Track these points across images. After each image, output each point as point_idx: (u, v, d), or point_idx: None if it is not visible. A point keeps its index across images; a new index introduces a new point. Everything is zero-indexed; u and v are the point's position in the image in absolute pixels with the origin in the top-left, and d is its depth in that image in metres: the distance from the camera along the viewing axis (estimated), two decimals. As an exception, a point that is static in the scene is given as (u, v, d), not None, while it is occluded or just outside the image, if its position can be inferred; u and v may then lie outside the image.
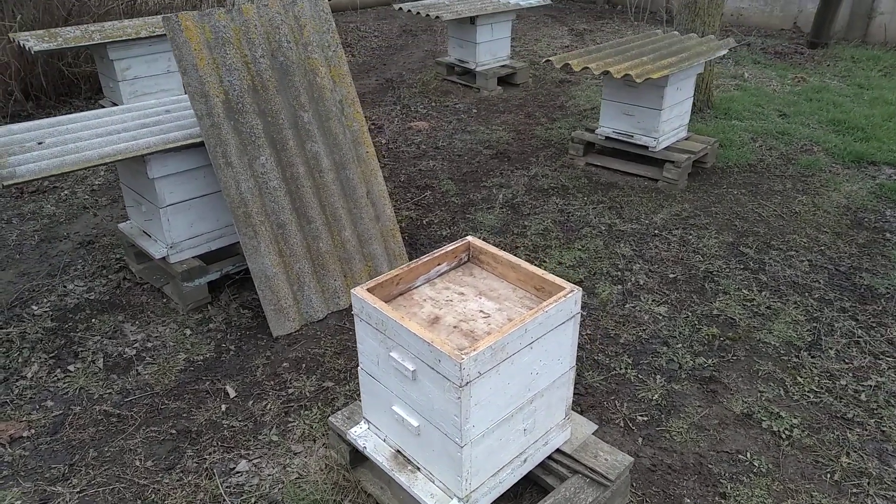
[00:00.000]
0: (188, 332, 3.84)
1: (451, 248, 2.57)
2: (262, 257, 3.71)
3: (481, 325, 2.30)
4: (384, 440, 2.49)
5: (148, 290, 4.25)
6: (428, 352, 2.06)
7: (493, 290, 2.49)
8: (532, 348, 2.20)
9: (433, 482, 2.31)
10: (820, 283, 4.20)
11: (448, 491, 2.25)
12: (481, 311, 2.37)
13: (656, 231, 4.82)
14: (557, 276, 4.20)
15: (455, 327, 2.29)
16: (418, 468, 2.37)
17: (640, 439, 3.02)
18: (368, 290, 2.32)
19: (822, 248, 4.63)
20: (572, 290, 2.29)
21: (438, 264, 2.55)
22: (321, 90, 3.99)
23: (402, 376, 2.22)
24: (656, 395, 3.25)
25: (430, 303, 2.42)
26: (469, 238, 2.64)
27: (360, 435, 2.53)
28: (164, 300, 4.15)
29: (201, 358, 3.63)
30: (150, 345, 3.74)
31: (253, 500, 2.75)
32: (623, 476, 2.52)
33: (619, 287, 4.12)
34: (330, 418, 2.76)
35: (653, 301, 3.98)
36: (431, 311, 2.38)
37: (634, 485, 2.78)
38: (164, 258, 3.96)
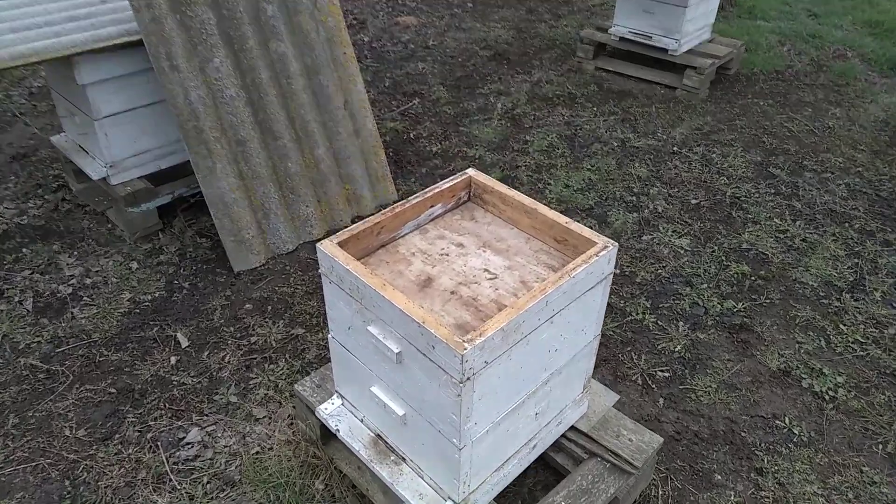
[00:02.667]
0: (135, 265, 3.29)
1: (447, 185, 2.00)
2: (219, 180, 3.11)
3: (486, 291, 1.77)
4: (361, 421, 2.02)
5: (91, 213, 3.66)
6: (418, 333, 1.54)
7: (501, 241, 1.95)
8: (553, 322, 1.69)
9: (422, 478, 1.85)
10: (860, 210, 3.69)
11: (441, 491, 1.80)
12: (486, 269, 1.84)
13: (675, 148, 4.24)
14: (564, 202, 3.66)
15: (453, 293, 1.76)
16: (403, 459, 1.91)
17: (662, 400, 2.59)
18: (340, 243, 1.77)
19: (860, 169, 4.10)
20: (606, 247, 1.75)
21: (431, 206, 1.98)
22: (284, -27, 3.25)
23: (383, 355, 1.71)
24: (679, 347, 2.80)
25: (421, 257, 1.88)
26: (470, 172, 2.07)
27: (332, 413, 2.05)
28: (109, 226, 3.57)
29: (149, 298, 3.10)
30: (88, 281, 3.20)
31: (205, 479, 2.31)
32: (651, 460, 2.09)
33: (635, 215, 3.59)
34: (297, 386, 2.27)
35: (673, 232, 3.46)
36: (422, 269, 1.84)
37: (657, 457, 2.36)
38: (103, 179, 3.34)
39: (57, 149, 3.66)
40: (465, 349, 1.45)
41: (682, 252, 3.33)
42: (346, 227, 3.54)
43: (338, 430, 2.02)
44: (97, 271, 3.26)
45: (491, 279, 1.81)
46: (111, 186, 3.34)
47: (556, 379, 1.87)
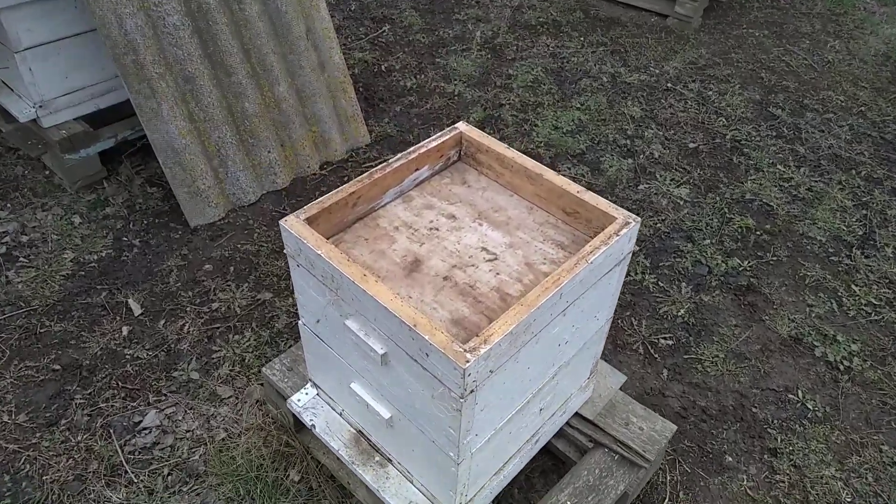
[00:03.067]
0: (77, 219, 2.93)
1: (433, 143, 1.69)
2: (166, 124, 2.73)
3: (486, 276, 1.50)
4: (340, 415, 1.78)
5: (25, 158, 3.24)
6: (409, 338, 1.27)
7: (500, 211, 1.66)
8: (566, 315, 1.44)
9: (411, 482, 1.63)
10: (865, 155, 3.47)
11: (434, 500, 1.58)
12: (484, 248, 1.56)
13: (669, 84, 3.93)
14: (553, 146, 3.36)
15: (446, 279, 1.49)
16: (390, 460, 1.68)
17: (665, 371, 2.39)
18: (309, 220, 1.46)
19: (863, 108, 3.86)
20: (626, 223, 1.48)
21: (416, 169, 1.68)
22: None
23: (364, 353, 1.44)
24: (682, 311, 2.59)
25: (406, 233, 1.59)
26: (461, 126, 1.75)
27: (306, 406, 1.80)
28: (47, 173, 3.18)
29: (95, 258, 2.76)
30: (25, 239, 2.84)
31: (165, 470, 2.06)
32: (662, 450, 1.90)
33: (630, 161, 3.32)
34: (265, 370, 2.01)
35: (671, 180, 3.21)
36: (408, 247, 1.56)
37: (662, 440, 2.19)
38: (33, 121, 2.93)
39: (-20, 84, 3.20)
40: (468, 361, 1.19)
41: (681, 203, 3.08)
42: (313, 174, 3.21)
43: (313, 425, 1.77)
44: (34, 227, 2.90)
45: (490, 260, 1.54)
46: (43, 130, 2.93)
47: (563, 371, 1.63)
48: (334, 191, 1.53)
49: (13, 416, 2.20)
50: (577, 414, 1.91)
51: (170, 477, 2.05)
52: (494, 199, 1.69)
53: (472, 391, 1.24)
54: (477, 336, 1.24)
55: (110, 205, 3.01)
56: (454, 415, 1.29)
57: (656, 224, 2.96)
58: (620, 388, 1.99)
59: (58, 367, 2.35)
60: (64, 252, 2.78)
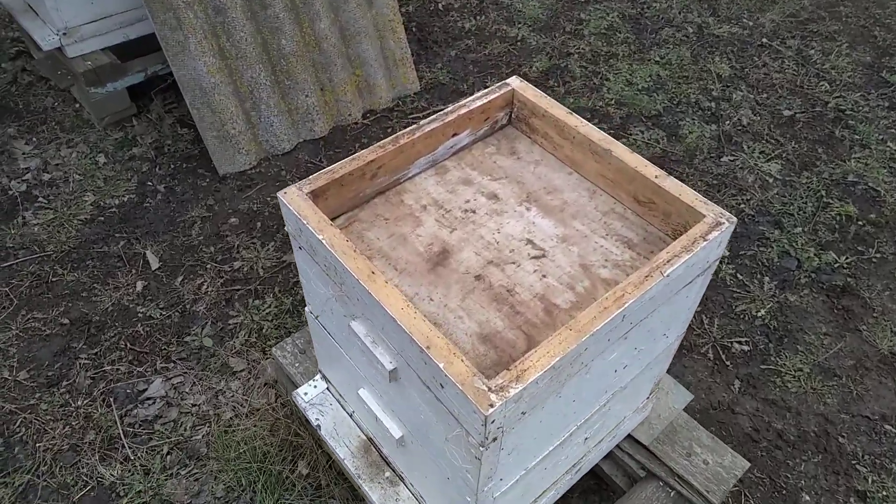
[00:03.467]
0: (102, 159, 2.74)
1: (477, 102, 1.37)
2: (193, 59, 2.46)
3: (529, 278, 1.19)
4: (350, 416, 1.53)
5: (56, 88, 3.06)
6: (420, 361, 0.99)
7: (554, 193, 1.34)
8: (627, 338, 1.13)
9: (425, 508, 1.38)
10: None
11: (448, 533, 1.32)
12: (530, 240, 1.25)
13: (764, 39, 3.42)
14: (625, 104, 2.96)
15: (479, 278, 1.19)
16: (402, 479, 1.43)
17: (738, 383, 2.06)
18: (314, 193, 1.18)
19: None
20: (718, 224, 1.14)
21: (454, 133, 1.36)
22: None
23: (370, 361, 1.17)
24: (763, 311, 2.23)
25: (436, 214, 1.29)
26: (513, 83, 1.42)
27: (313, 401, 1.56)
28: (77, 106, 2.99)
29: (116, 203, 2.57)
30: (46, 177, 2.67)
31: (165, 449, 1.88)
32: (728, 491, 1.59)
33: (714, 127, 2.89)
34: (275, 350, 1.78)
35: (761, 153, 2.78)
36: (436, 233, 1.26)
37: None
38: (59, 50, 2.71)
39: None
40: (492, 406, 0.90)
41: (770, 181, 2.66)
42: (354, 122, 2.91)
43: (318, 426, 1.53)
44: (57, 164, 2.72)
45: (536, 257, 1.23)
46: (69, 60, 2.71)
47: (618, 395, 1.33)
48: (349, 158, 1.24)
49: (14, 373, 2.05)
50: (630, 436, 1.61)
51: (169, 456, 1.87)
52: (548, 176, 1.37)
53: (495, 438, 0.96)
54: (508, 369, 0.94)
55: (138, 145, 2.80)
56: (472, 462, 1.01)
57: (739, 204, 2.56)
58: (686, 411, 1.67)
59: (66, 321, 2.19)
60: (85, 194, 2.60)
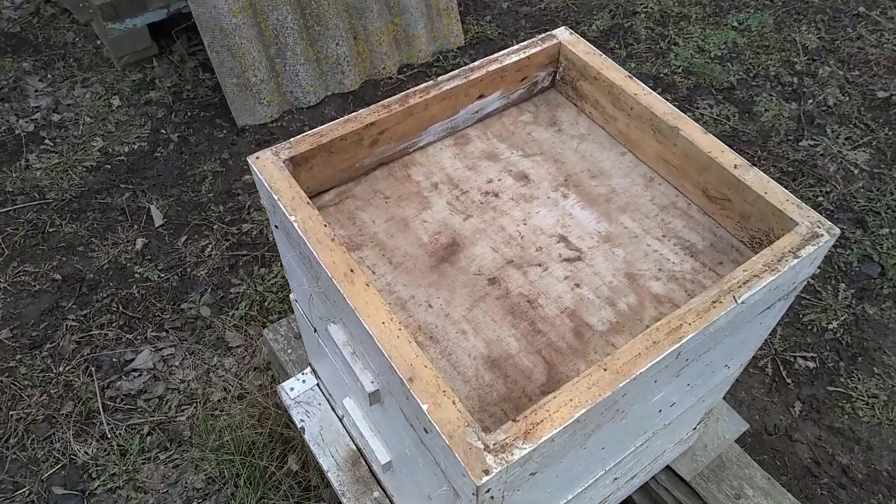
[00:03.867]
0: (116, 101, 2.55)
1: (512, 57, 1.09)
2: (213, -3, 2.23)
3: (558, 287, 0.93)
4: (341, 420, 1.31)
5: (78, 24, 2.87)
6: (402, 394, 0.75)
7: (600, 177, 1.06)
8: (679, 376, 0.86)
9: (415, 540, 1.15)
10: None
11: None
12: (564, 237, 0.98)
13: (862, 7, 3.00)
14: (693, 73, 2.60)
15: (493, 282, 0.93)
16: (391, 501, 1.20)
17: (798, 405, 1.77)
18: (293, 160, 0.93)
19: None
20: (816, 235, 0.86)
21: (481, 96, 1.09)
22: None
23: (350, 375, 0.93)
24: (835, 323, 1.92)
25: (449, 195, 1.03)
26: (560, 35, 1.13)
27: (298, 398, 1.35)
28: (97, 43, 2.80)
29: (126, 150, 2.39)
30: (56, 118, 2.49)
31: (146, 429, 1.71)
32: (782, 542, 1.32)
33: (794, 106, 2.53)
34: (266, 331, 1.57)
35: (847, 139, 2.41)
36: (446, 219, 1.00)
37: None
38: (75, -21, 2.51)
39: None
40: (488, 474, 0.65)
41: (856, 172, 2.31)
42: (389, 77, 2.65)
43: (303, 428, 1.32)
44: (69, 105, 2.54)
45: (570, 260, 0.96)
46: (86, -9, 2.51)
47: (659, 433, 1.07)
48: (343, 118, 0.98)
49: (-2, 329, 1.90)
50: (668, 467, 1.36)
51: (149, 437, 1.69)
52: (595, 156, 1.09)
53: (493, 497, 0.72)
54: (515, 420, 0.70)
55: (156, 88, 2.60)
56: (463, 526, 0.77)
57: (817, 197, 2.23)
58: (738, 442, 1.40)
59: (58, 276, 2.02)
60: (94, 139, 2.41)
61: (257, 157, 0.93)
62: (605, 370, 0.74)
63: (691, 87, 2.58)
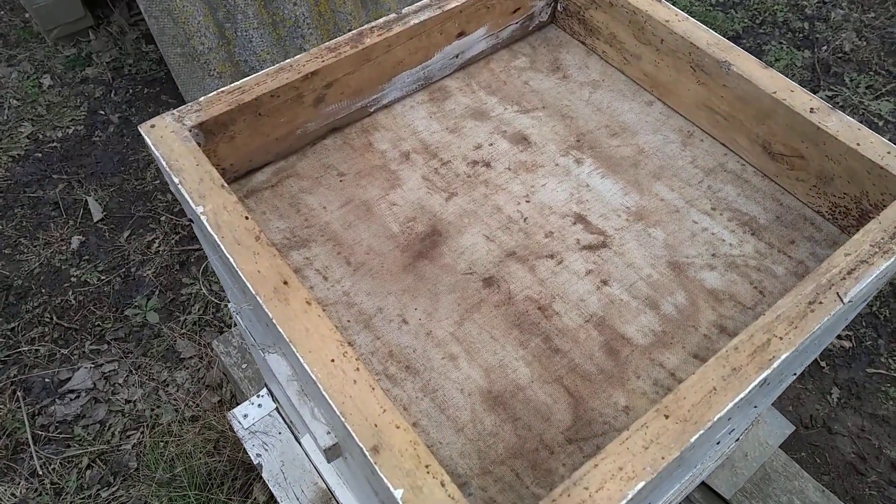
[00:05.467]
0: (47, 81, 2.25)
1: (503, -21, 0.82)
2: (144, -47, 1.92)
3: (578, 286, 0.68)
4: (307, 455, 1.05)
5: (2, -4, 2.55)
6: (367, 467, 0.50)
7: (624, 134, 0.80)
8: (750, 402, 0.61)
9: None
10: None
11: None
12: (582, 217, 0.73)
13: (873, -56, 2.73)
14: (698, 19, 2.35)
15: (489, 284, 0.68)
16: (372, 555, 0.96)
17: (836, 391, 1.55)
18: (203, 127, 0.67)
19: None
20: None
21: (461, 33, 0.82)
22: None
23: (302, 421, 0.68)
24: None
25: (425, 167, 0.78)
26: (564, -52, 0.87)
27: (254, 427, 1.09)
28: (25, 16, 2.48)
29: (59, 136, 2.09)
30: (-23, 102, 2.19)
31: (85, 461, 1.45)
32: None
33: (807, 54, 2.28)
34: (216, 343, 1.31)
35: (867, 88, 2.17)
36: (421, 201, 0.75)
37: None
38: (-11, -59, 2.19)
39: None
40: None
41: (881, 124, 2.07)
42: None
43: (260, 464, 1.07)
44: (-7, 86, 2.24)
45: (592, 248, 0.71)
46: (2, -45, 2.19)
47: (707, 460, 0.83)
48: (275, 66, 0.72)
49: None
50: (704, 483, 1.12)
51: (88, 471, 1.44)
52: (615, 107, 0.84)
53: None
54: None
55: (93, 64, 2.30)
56: None
57: (841, 153, 1.98)
58: (784, 449, 1.17)
59: (-19, 284, 1.74)
60: (22, 124, 2.12)
61: (152, 126, 0.66)
62: (666, 417, 0.49)
63: (693, 38, 2.32)
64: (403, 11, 0.78)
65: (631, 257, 0.70)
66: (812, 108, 0.69)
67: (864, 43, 2.31)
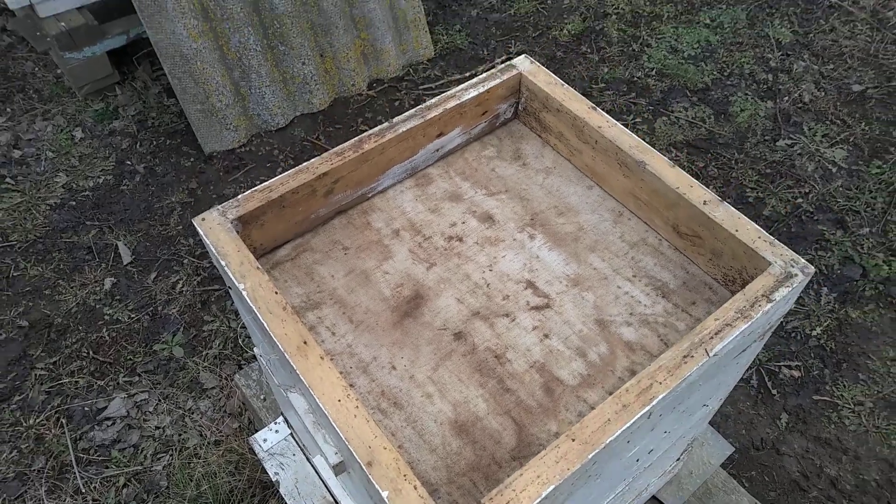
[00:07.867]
0: (79, 133, 2.48)
1: (471, 92, 1.05)
2: (171, 21, 2.16)
3: (526, 339, 0.89)
4: (317, 472, 1.26)
5: (37, 53, 2.80)
6: (362, 472, 0.71)
7: (567, 214, 1.02)
8: (654, 429, 0.82)
9: None
10: None
11: None
12: (531, 283, 0.94)
13: (834, -1, 2.97)
14: (668, 75, 2.57)
15: (459, 337, 0.89)
16: (371, 556, 1.16)
17: (785, 417, 1.75)
18: (243, 219, 0.89)
19: None
20: (790, 275, 0.83)
21: (440, 134, 1.04)
22: None
23: (315, 444, 0.89)
24: (818, 329, 1.89)
25: (411, 241, 0.99)
26: (520, 65, 1.09)
27: (272, 449, 1.30)
28: (58, 72, 2.73)
29: (90, 185, 2.32)
30: (17, 154, 2.42)
31: (122, 480, 1.65)
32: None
33: (770, 104, 2.50)
34: (238, 377, 1.52)
35: (824, 137, 2.39)
36: (409, 270, 0.96)
37: (771, 519, 1.58)
38: (29, 7, 2.44)
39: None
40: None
41: (834, 171, 2.28)
42: (359, 94, 2.60)
43: (277, 481, 1.27)
44: (30, 140, 2.47)
45: (538, 308, 0.92)
46: (41, 20, 2.44)
47: (641, 475, 1.03)
48: (294, 169, 0.94)
49: (-37, 382, 1.84)
50: (654, 497, 1.32)
51: (125, 490, 1.64)
52: (561, 191, 1.05)
53: None
54: (494, 500, 0.65)
55: (119, 117, 2.53)
56: None
57: (796, 198, 2.20)
58: (724, 467, 1.37)
59: (25, 322, 1.96)
60: (57, 175, 2.35)
61: (203, 219, 0.88)
62: (573, 440, 0.70)
63: (665, 90, 2.55)
64: (394, 121, 1.00)
65: (567, 316, 0.91)
66: (705, 201, 0.91)
67: (823, 94, 2.54)
